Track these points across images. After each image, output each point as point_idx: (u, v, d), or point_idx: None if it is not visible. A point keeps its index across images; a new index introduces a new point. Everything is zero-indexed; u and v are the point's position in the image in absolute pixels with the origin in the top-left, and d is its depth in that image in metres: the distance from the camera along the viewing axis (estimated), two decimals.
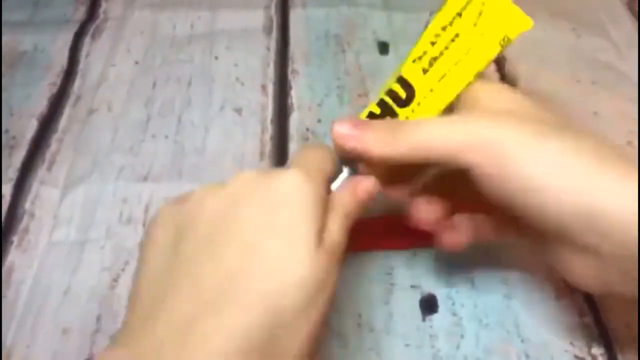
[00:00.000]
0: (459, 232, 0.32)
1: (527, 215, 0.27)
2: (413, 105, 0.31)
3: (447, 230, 0.32)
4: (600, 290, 0.29)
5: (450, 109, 0.31)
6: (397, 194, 0.32)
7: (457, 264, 0.37)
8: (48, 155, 0.43)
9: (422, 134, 0.28)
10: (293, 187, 0.25)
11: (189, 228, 0.25)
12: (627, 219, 0.24)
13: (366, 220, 0.39)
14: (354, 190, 0.29)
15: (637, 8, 0.55)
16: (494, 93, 0.30)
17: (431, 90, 0.31)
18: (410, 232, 0.35)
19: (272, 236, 0.24)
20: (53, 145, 0.44)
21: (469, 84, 0.30)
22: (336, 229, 0.26)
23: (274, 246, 0.24)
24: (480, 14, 0.30)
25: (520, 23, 0.30)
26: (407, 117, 0.31)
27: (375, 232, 0.38)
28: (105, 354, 0.24)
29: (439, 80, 0.31)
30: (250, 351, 0.22)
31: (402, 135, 0.28)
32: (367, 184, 0.29)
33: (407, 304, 0.36)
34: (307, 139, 0.44)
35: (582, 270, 0.27)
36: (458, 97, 0.30)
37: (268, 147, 0.44)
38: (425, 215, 0.31)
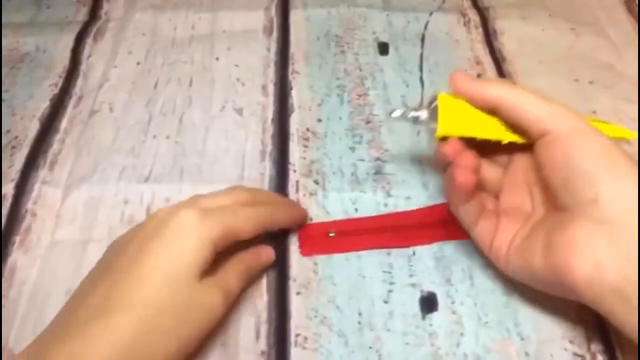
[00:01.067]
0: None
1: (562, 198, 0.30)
2: None
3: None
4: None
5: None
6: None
7: (457, 262, 0.37)
8: (50, 156, 0.44)
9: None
10: (184, 225, 0.30)
11: (113, 251, 0.32)
12: None
13: (362, 220, 0.39)
14: (257, 251, 0.36)
15: (635, 8, 0.55)
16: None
17: None
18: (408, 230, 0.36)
19: (157, 259, 0.29)
20: (55, 145, 0.44)
21: None
22: (233, 275, 0.33)
23: (157, 268, 0.29)
24: None
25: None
26: None
27: (373, 231, 0.39)
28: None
29: None
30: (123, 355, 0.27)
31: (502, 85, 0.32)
32: (268, 251, 0.36)
33: (407, 302, 0.36)
34: (307, 138, 0.45)
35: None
36: None
37: (269, 147, 0.44)
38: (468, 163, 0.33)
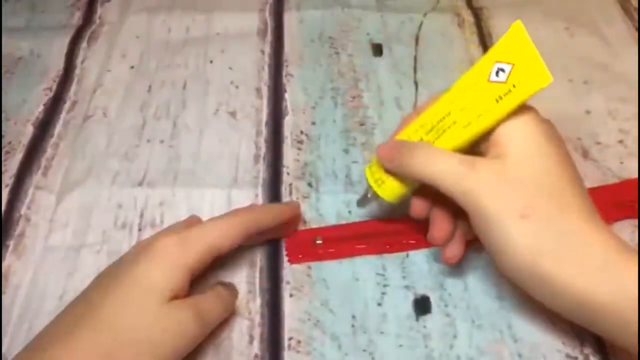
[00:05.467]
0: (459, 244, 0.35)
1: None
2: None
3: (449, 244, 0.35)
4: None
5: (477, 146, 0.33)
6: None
7: (450, 265, 0.37)
8: (44, 161, 0.44)
9: (425, 160, 0.32)
10: (159, 251, 0.31)
11: (99, 275, 0.33)
12: None
13: (350, 226, 0.39)
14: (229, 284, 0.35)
15: (630, 7, 0.55)
16: (528, 154, 0.30)
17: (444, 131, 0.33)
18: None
19: (131, 284, 0.30)
20: (49, 150, 0.44)
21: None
22: (210, 299, 0.33)
23: (130, 292, 0.30)
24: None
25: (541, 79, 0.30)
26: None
27: (361, 237, 0.39)
28: None
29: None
30: None
31: (409, 157, 0.33)
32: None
33: (400, 305, 0.36)
34: (301, 141, 0.45)
35: None
36: (489, 137, 0.32)
37: (263, 150, 0.44)
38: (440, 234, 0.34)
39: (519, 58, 0.31)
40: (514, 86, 0.30)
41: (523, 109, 0.31)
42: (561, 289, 0.29)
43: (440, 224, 0.34)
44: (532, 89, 0.30)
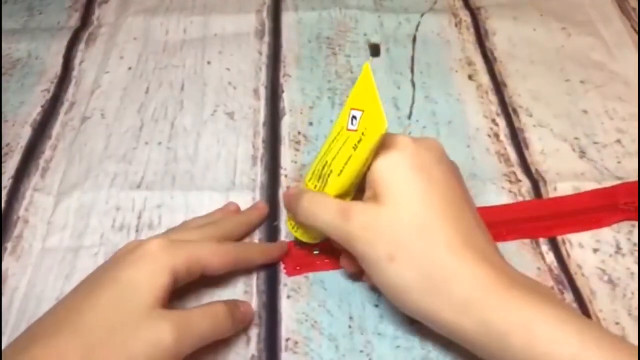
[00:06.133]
0: None
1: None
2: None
3: None
4: None
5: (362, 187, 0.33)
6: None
7: None
8: (42, 163, 0.44)
9: (310, 209, 0.33)
10: (146, 253, 0.31)
11: (86, 278, 0.33)
12: None
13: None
14: (235, 302, 0.35)
15: (627, 7, 0.55)
16: (395, 195, 0.31)
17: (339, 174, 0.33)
18: None
19: (112, 286, 0.30)
20: (47, 152, 0.44)
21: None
22: (198, 315, 0.31)
23: (110, 295, 0.30)
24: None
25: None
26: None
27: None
28: None
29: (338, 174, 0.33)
30: None
31: (299, 206, 0.34)
32: (247, 306, 0.35)
33: None
34: (299, 142, 0.45)
35: None
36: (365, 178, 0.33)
37: (260, 151, 0.44)
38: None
39: (367, 104, 0.31)
40: (363, 134, 0.31)
41: (393, 143, 0.32)
42: (432, 320, 0.30)
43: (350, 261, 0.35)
44: (375, 137, 0.30)
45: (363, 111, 0.32)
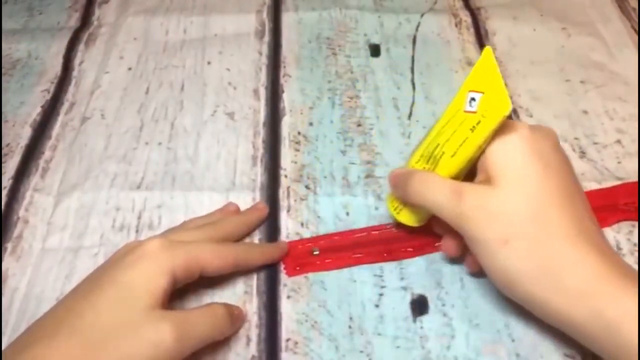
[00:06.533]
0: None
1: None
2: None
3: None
4: None
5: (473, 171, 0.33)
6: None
7: (447, 265, 0.37)
8: (42, 163, 0.44)
9: (421, 189, 0.33)
10: (145, 253, 0.31)
11: (85, 277, 0.33)
12: None
13: (348, 234, 0.39)
14: (230, 307, 0.34)
15: (627, 7, 0.55)
16: (511, 178, 0.31)
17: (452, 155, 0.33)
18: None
19: (111, 286, 0.30)
20: (47, 152, 0.44)
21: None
22: (198, 317, 0.31)
23: (109, 294, 0.30)
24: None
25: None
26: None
27: (359, 246, 0.39)
28: None
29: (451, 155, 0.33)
30: None
31: (408, 186, 0.34)
32: (240, 313, 0.35)
33: (397, 306, 0.36)
34: (298, 142, 0.45)
35: None
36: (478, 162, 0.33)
37: (260, 151, 0.44)
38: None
39: (488, 86, 0.31)
40: (483, 116, 0.31)
41: (510, 128, 0.31)
42: (540, 308, 0.30)
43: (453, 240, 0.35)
44: (497, 119, 0.30)
45: (483, 93, 0.31)
